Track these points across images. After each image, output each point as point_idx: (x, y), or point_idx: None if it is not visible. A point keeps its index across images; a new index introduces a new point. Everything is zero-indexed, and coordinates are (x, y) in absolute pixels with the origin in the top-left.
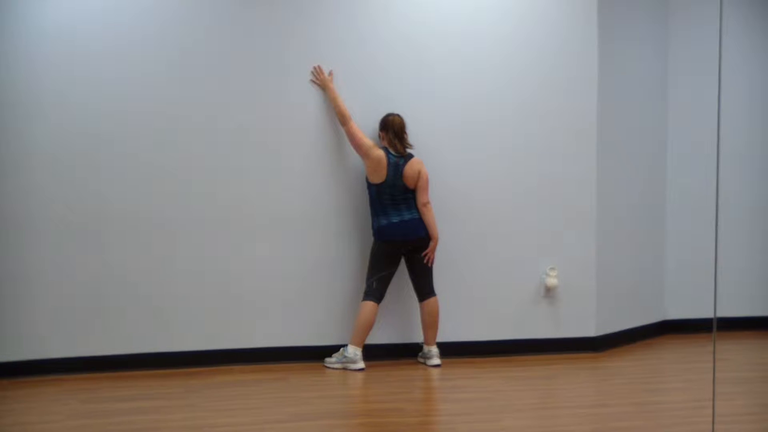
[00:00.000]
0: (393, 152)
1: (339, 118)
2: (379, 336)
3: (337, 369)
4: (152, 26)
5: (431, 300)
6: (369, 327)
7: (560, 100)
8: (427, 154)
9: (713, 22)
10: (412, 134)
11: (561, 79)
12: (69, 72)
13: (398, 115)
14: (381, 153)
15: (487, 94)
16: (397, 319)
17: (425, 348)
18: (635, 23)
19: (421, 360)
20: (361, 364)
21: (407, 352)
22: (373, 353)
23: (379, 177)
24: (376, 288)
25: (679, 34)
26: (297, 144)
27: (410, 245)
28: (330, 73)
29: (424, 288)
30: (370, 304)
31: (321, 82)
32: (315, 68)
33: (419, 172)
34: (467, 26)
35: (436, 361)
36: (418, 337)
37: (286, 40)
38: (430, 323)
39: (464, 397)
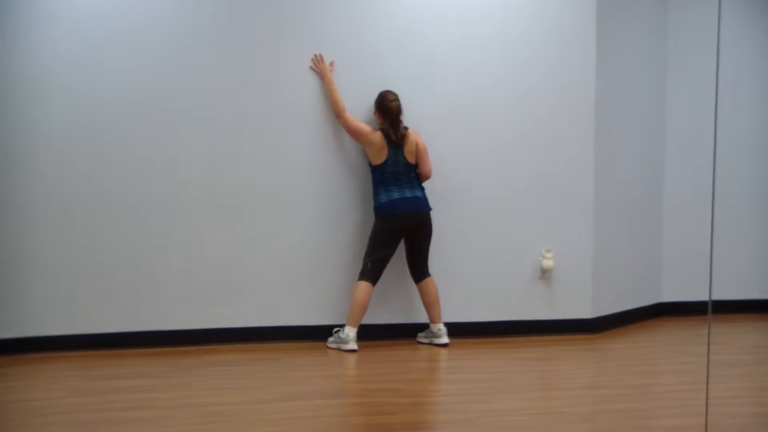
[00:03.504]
0: (388, 138)
1: (333, 109)
2: (378, 316)
3: (333, 349)
4: (152, 13)
5: (428, 280)
6: (363, 308)
7: (558, 86)
8: (426, 139)
9: (713, 3)
10: (411, 119)
11: (559, 66)
12: (71, 57)
13: (396, 100)
14: (380, 135)
15: (485, 81)
16: (396, 299)
17: (432, 327)
18: (634, 8)
19: (426, 340)
20: (353, 345)
21: (406, 333)
22: (372, 333)
23: (380, 158)
24: (370, 269)
25: (679, 19)
26: (296, 126)
27: (412, 221)
28: (331, 64)
29: (421, 269)
30: (364, 284)
31: (320, 70)
32: (316, 56)
33: (416, 144)
34: (465, 13)
35: (445, 339)
36: (417, 317)
37: (285, 26)
38: (432, 301)
39: (460, 377)
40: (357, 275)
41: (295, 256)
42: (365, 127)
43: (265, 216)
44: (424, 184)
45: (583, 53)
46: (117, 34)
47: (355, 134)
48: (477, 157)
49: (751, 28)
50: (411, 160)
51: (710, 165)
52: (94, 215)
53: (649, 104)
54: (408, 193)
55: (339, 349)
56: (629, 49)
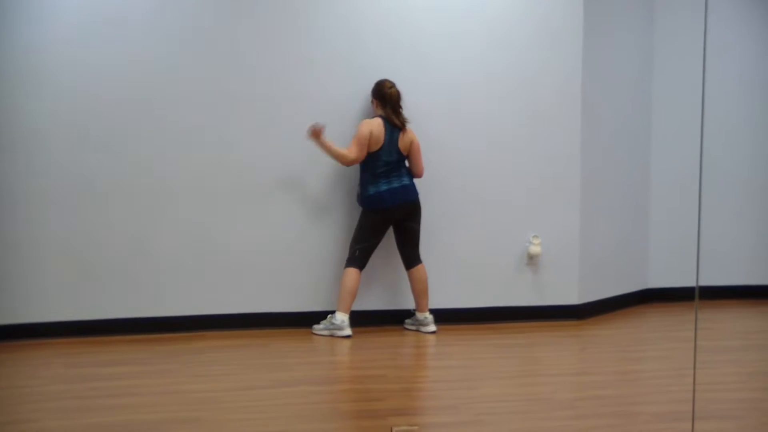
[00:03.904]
0: (390, 123)
1: (341, 161)
2: (366, 302)
3: (324, 335)
4: (142, 5)
5: (419, 267)
6: (353, 293)
7: (546, 74)
8: (414, 126)
9: None
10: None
11: (546, 53)
12: (57, 45)
13: (394, 86)
14: (379, 121)
15: (473, 68)
16: (384, 286)
17: (419, 315)
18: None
19: (413, 327)
20: (348, 331)
21: (393, 319)
22: (359, 319)
23: (378, 144)
24: (358, 256)
25: (666, 8)
26: (284, 113)
27: (401, 211)
28: (322, 127)
29: (412, 255)
30: (352, 271)
31: (315, 136)
32: (311, 128)
33: (411, 142)
34: (453, 2)
35: (432, 327)
36: (405, 303)
37: (271, 19)
38: (421, 290)
39: (447, 364)
40: (344, 262)
41: (283, 243)
42: (365, 136)
43: (252, 203)
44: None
45: (570, 41)
46: (105, 25)
47: (366, 148)
48: (464, 146)
49: (743, 10)
50: (404, 151)
51: (696, 151)
52: (79, 203)
53: (636, 93)
54: (396, 183)
55: (332, 336)
56: (616, 40)
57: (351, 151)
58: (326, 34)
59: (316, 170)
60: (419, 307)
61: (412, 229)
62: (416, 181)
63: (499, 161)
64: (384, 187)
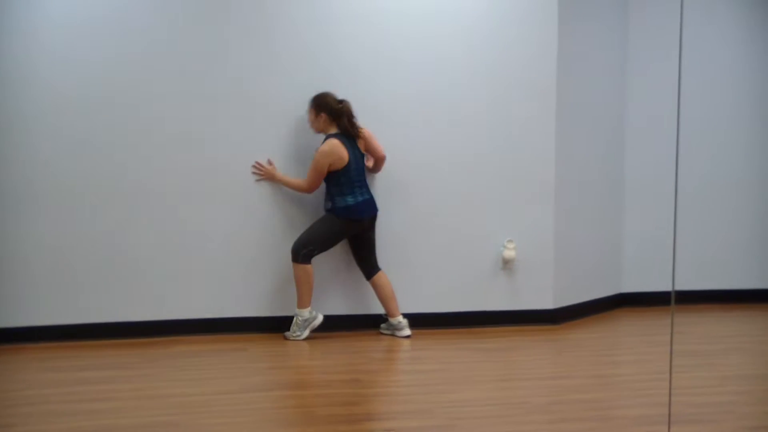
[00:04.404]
0: (348, 137)
1: (299, 190)
2: (340, 307)
3: (303, 338)
4: (119, 3)
5: (380, 274)
6: (312, 287)
7: (520, 73)
8: (385, 128)
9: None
10: (370, 111)
11: (521, 53)
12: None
13: (344, 100)
14: (335, 146)
15: (447, 71)
16: (358, 290)
17: (392, 320)
18: (596, 4)
19: (388, 332)
20: (321, 317)
21: (368, 323)
22: (332, 324)
23: (343, 162)
24: (311, 255)
25: (641, 6)
26: (259, 116)
27: (368, 223)
28: (270, 162)
29: (373, 263)
30: (310, 267)
31: (267, 175)
32: (254, 165)
33: (362, 131)
34: (427, 5)
35: (407, 331)
36: (378, 307)
37: (241, 22)
38: (388, 295)
39: (422, 368)
40: (318, 264)
41: (259, 248)
42: (323, 167)
43: (227, 207)
44: (379, 175)
45: (545, 40)
46: (83, 21)
47: (323, 176)
48: (438, 150)
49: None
50: (363, 150)
51: (672, 155)
52: (52, 207)
53: (610, 95)
54: (367, 195)
55: (312, 330)
56: (591, 41)
57: (305, 182)
58: (301, 38)
59: (290, 174)
60: (390, 312)
61: (371, 239)
62: (391, 184)
63: (473, 165)
64: (360, 198)
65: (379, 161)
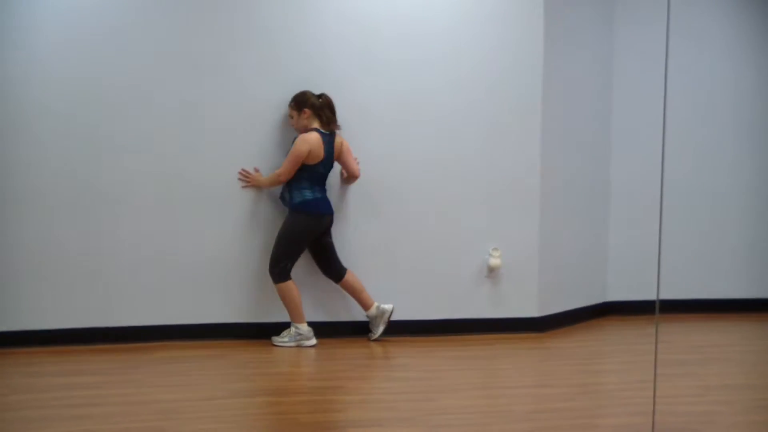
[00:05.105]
0: (325, 131)
1: (277, 183)
2: (325, 314)
3: (290, 346)
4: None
5: (348, 272)
6: (301, 303)
7: (505, 81)
8: (368, 134)
9: (661, 1)
10: (355, 116)
11: (506, 60)
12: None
13: (323, 94)
14: (314, 138)
15: (432, 76)
16: (340, 298)
17: (370, 312)
18: (582, 4)
19: (380, 329)
20: (315, 341)
21: (353, 330)
22: (317, 331)
23: (317, 158)
24: (288, 269)
25: (626, 15)
26: (238, 121)
27: (327, 222)
28: (255, 170)
29: (337, 266)
30: (291, 283)
31: (253, 182)
32: (240, 173)
33: (341, 144)
34: (412, 5)
35: (389, 306)
36: (360, 314)
37: (232, 20)
38: (359, 288)
39: (406, 375)
40: (300, 274)
41: (239, 254)
42: (302, 155)
43: (211, 212)
44: (363, 181)
45: (530, 48)
46: (58, 18)
47: (300, 162)
48: (423, 156)
49: (704, 17)
50: (336, 158)
51: (657, 164)
52: (33, 213)
53: (596, 103)
54: (323, 194)
55: (299, 346)
56: (577, 48)
57: (282, 173)
58: (284, 40)
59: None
60: (365, 304)
61: (330, 243)
62: (376, 190)
63: (458, 172)
64: (319, 195)
65: (351, 177)
